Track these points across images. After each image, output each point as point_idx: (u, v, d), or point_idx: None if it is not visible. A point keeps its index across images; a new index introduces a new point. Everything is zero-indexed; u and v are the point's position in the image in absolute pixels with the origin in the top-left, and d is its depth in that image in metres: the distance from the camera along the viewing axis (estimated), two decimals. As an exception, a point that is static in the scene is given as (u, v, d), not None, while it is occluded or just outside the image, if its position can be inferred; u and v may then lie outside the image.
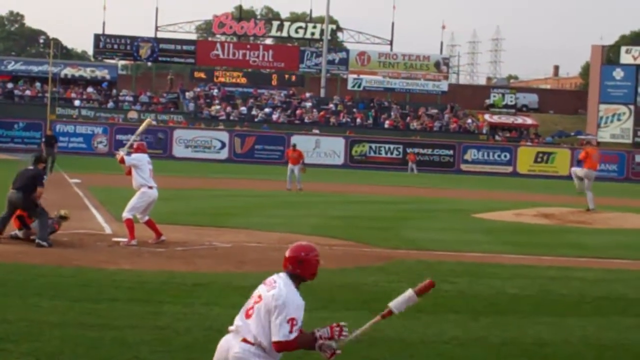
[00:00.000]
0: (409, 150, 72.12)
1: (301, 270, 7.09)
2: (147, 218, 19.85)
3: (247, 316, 6.97)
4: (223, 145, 71.27)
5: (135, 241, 19.24)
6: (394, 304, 7.10)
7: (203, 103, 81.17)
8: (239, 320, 7.03)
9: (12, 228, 19.27)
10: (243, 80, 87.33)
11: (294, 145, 43.15)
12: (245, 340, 6.89)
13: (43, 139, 48.32)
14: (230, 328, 7.08)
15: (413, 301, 7.10)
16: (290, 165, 40.84)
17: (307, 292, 13.91)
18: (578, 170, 31.02)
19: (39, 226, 18.67)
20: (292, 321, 6.83)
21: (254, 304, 6.98)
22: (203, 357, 10.29)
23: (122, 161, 19.70)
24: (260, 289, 7.06)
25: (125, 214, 19.59)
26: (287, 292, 6.93)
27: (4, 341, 10.55)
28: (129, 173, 19.82)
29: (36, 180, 19.01)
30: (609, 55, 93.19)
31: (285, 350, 6.89)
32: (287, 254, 7.16)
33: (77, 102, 77.73)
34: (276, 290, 6.92)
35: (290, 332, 6.81)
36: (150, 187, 19.74)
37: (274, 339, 6.84)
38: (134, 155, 19.88)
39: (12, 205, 18.94)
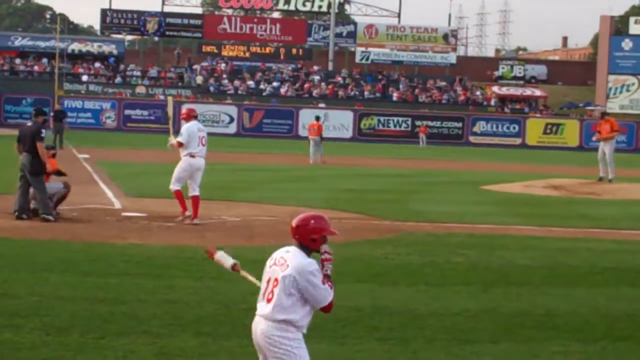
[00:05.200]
0: (419, 123, 71.91)
1: (301, 238, 6.84)
2: (194, 193, 19.05)
3: (269, 301, 6.78)
4: (231, 119, 71.24)
5: (188, 212, 18.91)
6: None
7: (210, 77, 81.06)
8: (261, 306, 6.84)
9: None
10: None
11: (318, 118, 44.25)
12: (271, 320, 6.77)
13: (52, 114, 48.27)
14: (257, 312, 6.90)
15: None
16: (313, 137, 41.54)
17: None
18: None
19: (40, 200, 18.38)
20: (323, 280, 6.72)
21: (272, 288, 6.77)
22: (214, 330, 10.31)
23: (181, 145, 19.03)
24: (274, 272, 6.81)
25: (171, 186, 19.09)
26: (301, 265, 6.73)
27: (14, 316, 10.57)
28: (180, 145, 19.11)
29: (35, 136, 18.43)
30: (618, 26, 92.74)
31: (332, 304, 6.86)
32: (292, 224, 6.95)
33: (84, 78, 77.69)
34: (289, 269, 6.70)
35: (331, 288, 6.76)
36: (193, 156, 19.02)
37: (323, 304, 6.76)
38: (183, 130, 19.22)
39: (25, 168, 18.48)
